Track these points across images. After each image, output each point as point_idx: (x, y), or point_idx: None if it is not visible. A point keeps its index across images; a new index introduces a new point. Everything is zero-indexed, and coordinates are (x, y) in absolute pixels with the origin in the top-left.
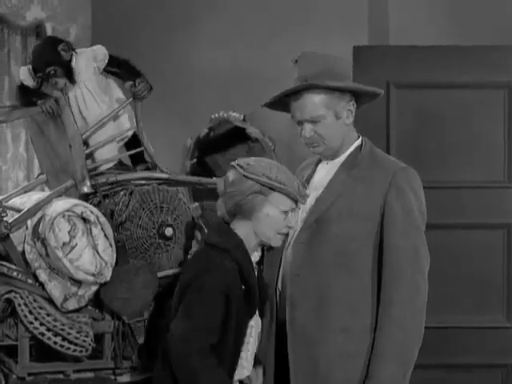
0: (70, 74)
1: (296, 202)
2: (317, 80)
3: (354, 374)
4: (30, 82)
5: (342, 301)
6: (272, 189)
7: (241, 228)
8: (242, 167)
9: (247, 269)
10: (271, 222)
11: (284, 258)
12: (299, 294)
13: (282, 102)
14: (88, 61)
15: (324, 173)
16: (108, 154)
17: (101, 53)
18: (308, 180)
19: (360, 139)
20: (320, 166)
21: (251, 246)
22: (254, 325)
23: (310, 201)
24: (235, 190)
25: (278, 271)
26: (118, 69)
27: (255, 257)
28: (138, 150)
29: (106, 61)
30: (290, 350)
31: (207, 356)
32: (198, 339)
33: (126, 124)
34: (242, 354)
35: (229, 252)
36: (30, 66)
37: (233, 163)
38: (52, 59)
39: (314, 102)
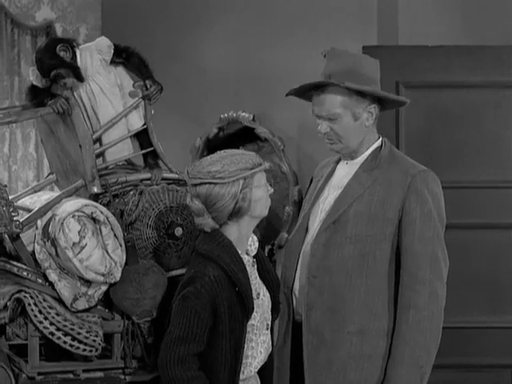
0: (76, 73)
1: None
2: (339, 79)
3: (368, 376)
4: (38, 82)
5: (359, 303)
6: (253, 175)
7: (232, 228)
8: (216, 178)
9: (235, 273)
10: (262, 202)
11: (301, 258)
12: (316, 295)
13: (305, 93)
14: (92, 55)
15: (343, 173)
16: (122, 150)
17: (104, 45)
18: (328, 178)
19: (380, 140)
20: (340, 165)
21: (246, 239)
22: (256, 323)
23: (329, 201)
24: (225, 201)
25: (295, 271)
26: (125, 60)
27: (251, 251)
28: (149, 149)
29: (112, 52)
30: (304, 350)
31: (188, 366)
32: (177, 349)
33: (137, 121)
34: (248, 353)
35: (214, 260)
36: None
37: (197, 181)
38: (53, 63)
39: (333, 101)
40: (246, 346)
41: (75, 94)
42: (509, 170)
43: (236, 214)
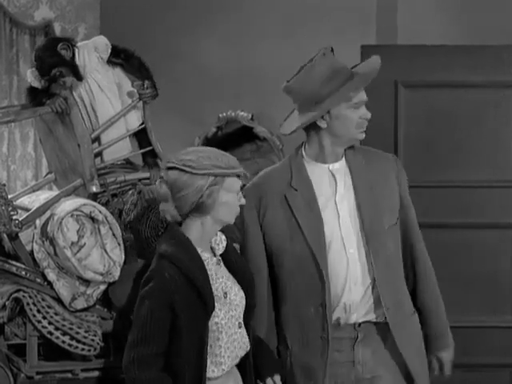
0: (75, 72)
1: (241, 178)
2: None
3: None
4: (37, 83)
5: (404, 287)
6: (224, 176)
7: (194, 224)
8: (187, 166)
9: (190, 271)
10: (230, 207)
11: (350, 266)
12: (387, 295)
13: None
14: (90, 52)
15: (342, 176)
16: (121, 149)
17: (102, 43)
18: (310, 188)
19: None
20: (320, 170)
21: (208, 239)
22: (220, 321)
23: (347, 207)
24: (189, 191)
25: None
26: (124, 61)
27: (218, 249)
28: (147, 149)
29: (109, 51)
30: (398, 342)
31: (146, 366)
32: (136, 350)
33: (136, 121)
34: (216, 352)
35: (169, 258)
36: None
37: (170, 164)
38: (54, 61)
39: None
40: (213, 344)
41: (75, 92)
42: (508, 169)
43: (198, 209)
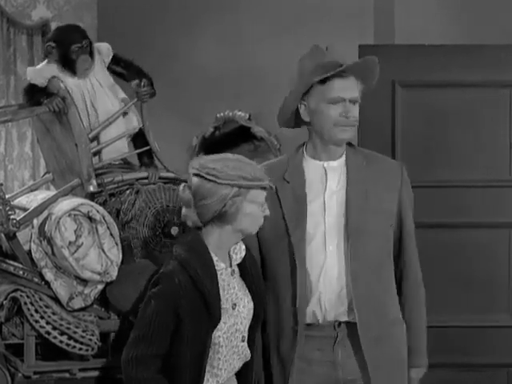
0: (91, 53)
1: (267, 190)
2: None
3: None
4: (39, 80)
5: (391, 295)
6: (249, 187)
7: (214, 232)
8: (211, 175)
9: (200, 280)
10: (253, 219)
11: (327, 265)
12: (361, 297)
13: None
14: (95, 54)
15: (336, 175)
16: (119, 148)
17: (105, 47)
18: (302, 182)
19: None
20: (316, 166)
21: (227, 247)
22: (222, 334)
23: (336, 206)
24: (212, 201)
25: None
26: (124, 69)
27: (235, 259)
28: (144, 148)
29: (111, 57)
30: (365, 348)
31: (145, 367)
32: (136, 349)
33: (134, 121)
34: (214, 364)
35: (182, 264)
36: (53, 45)
37: (194, 171)
38: (76, 37)
39: (356, 84)
40: (212, 356)
41: (76, 89)
42: (506, 169)
43: (220, 218)
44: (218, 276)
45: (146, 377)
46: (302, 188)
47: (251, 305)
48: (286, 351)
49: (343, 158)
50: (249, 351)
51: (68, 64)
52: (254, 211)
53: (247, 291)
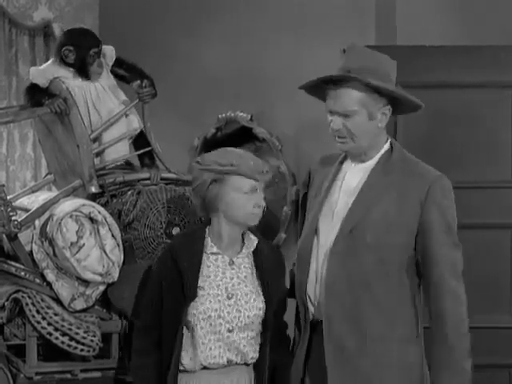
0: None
1: (255, 180)
2: (360, 75)
3: None
4: (40, 80)
5: (380, 311)
6: (227, 173)
7: (214, 222)
8: (198, 162)
9: (180, 257)
10: (237, 206)
11: (316, 264)
12: (336, 305)
13: (318, 88)
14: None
15: (355, 177)
16: (120, 150)
17: (108, 50)
18: (335, 179)
19: (389, 142)
20: (347, 166)
21: (227, 236)
22: (198, 314)
23: (344, 207)
24: (196, 185)
25: (307, 277)
26: (126, 71)
27: (249, 246)
28: (146, 149)
29: (114, 60)
30: (327, 360)
31: (140, 338)
32: (135, 325)
33: (135, 123)
34: (196, 344)
35: (169, 245)
36: (71, 48)
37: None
38: (95, 43)
39: (351, 97)
40: (192, 335)
41: (78, 91)
42: (506, 169)
43: (207, 204)
44: (206, 258)
45: (139, 347)
46: (326, 186)
47: (261, 304)
48: (297, 352)
49: (372, 162)
50: (246, 347)
51: (83, 68)
52: (236, 199)
53: (260, 289)
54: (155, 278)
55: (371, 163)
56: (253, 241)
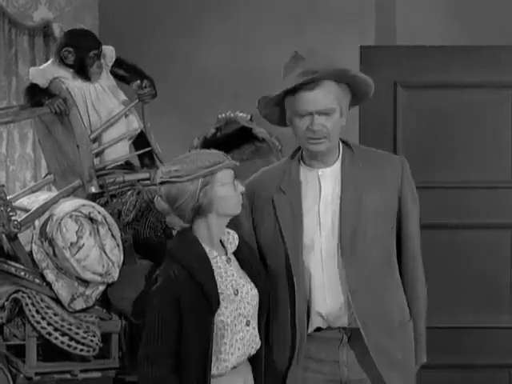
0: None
1: (231, 167)
2: (327, 74)
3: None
4: (40, 80)
5: (394, 300)
6: (213, 173)
7: (201, 225)
8: (174, 177)
9: (195, 270)
10: (230, 198)
11: (321, 281)
12: (364, 307)
13: (274, 112)
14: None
15: (328, 182)
16: (120, 150)
17: (108, 50)
18: (298, 193)
19: (340, 140)
20: (311, 176)
21: (217, 236)
22: (225, 319)
23: (332, 215)
24: (184, 200)
25: (309, 291)
26: (126, 72)
27: (230, 248)
28: (146, 149)
29: (113, 60)
30: (379, 366)
31: (157, 365)
32: (146, 348)
33: (134, 123)
34: (221, 349)
35: (175, 257)
36: (70, 49)
37: (159, 180)
38: (95, 44)
39: (329, 94)
40: (218, 342)
41: (78, 91)
42: (506, 170)
43: (199, 211)
44: (213, 264)
45: (159, 376)
46: (297, 199)
47: (255, 291)
48: (283, 364)
49: (338, 162)
50: (257, 337)
51: (82, 69)
52: (227, 192)
53: (249, 279)
54: (167, 298)
55: (338, 164)
56: (233, 235)
